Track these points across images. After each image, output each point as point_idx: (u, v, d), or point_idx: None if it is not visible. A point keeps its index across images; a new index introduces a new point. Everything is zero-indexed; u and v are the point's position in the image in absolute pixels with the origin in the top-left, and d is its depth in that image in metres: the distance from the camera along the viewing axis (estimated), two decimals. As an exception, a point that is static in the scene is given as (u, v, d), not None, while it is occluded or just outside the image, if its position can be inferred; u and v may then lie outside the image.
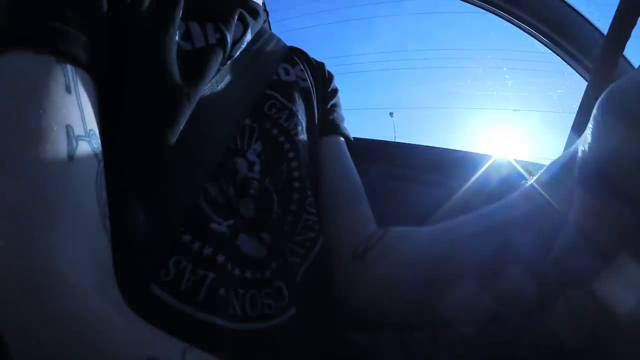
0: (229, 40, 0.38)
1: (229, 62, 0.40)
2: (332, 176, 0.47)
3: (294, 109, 0.45)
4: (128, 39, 0.31)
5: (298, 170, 0.42)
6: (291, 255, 0.38)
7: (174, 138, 0.31)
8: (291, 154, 0.42)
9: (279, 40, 0.51)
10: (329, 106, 0.54)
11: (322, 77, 0.54)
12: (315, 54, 0.56)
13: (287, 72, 0.49)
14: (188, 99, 0.32)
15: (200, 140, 0.34)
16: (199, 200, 0.33)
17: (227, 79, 0.39)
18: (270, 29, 0.54)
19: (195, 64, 0.35)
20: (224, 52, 0.38)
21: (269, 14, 0.53)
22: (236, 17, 0.41)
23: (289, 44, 0.53)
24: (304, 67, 0.52)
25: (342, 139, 0.52)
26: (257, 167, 0.38)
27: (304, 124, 0.46)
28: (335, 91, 0.56)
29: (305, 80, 0.50)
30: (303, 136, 0.45)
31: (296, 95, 0.47)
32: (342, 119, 0.55)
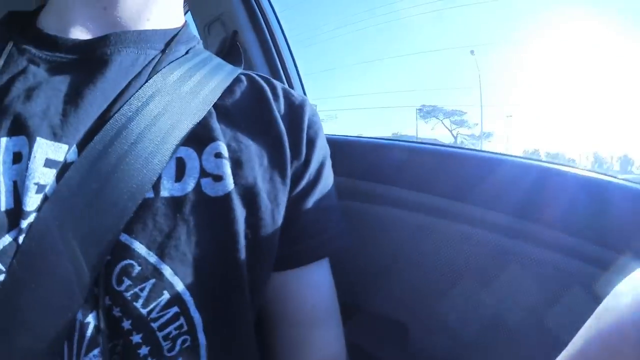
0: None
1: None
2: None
3: (164, 271, 0.28)
4: None
5: None
6: None
7: None
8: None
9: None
10: (302, 203, 0.35)
11: (293, 145, 0.35)
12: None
13: (180, 173, 0.30)
14: None
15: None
16: None
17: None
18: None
19: None
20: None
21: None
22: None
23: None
24: (237, 143, 0.33)
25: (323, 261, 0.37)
26: None
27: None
28: (322, 164, 0.37)
29: (222, 179, 0.30)
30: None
31: (185, 227, 0.29)
32: (327, 215, 0.37)
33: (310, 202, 0.35)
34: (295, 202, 0.35)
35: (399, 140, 0.58)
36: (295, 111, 0.36)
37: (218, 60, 0.38)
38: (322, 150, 0.37)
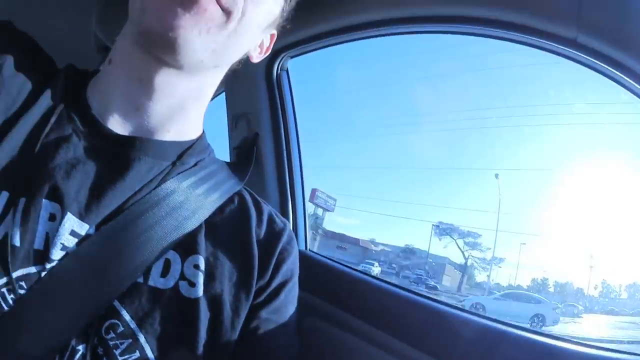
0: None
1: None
2: None
3: (140, 337, 0.36)
4: None
5: None
6: None
7: None
8: None
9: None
10: (258, 312, 0.43)
11: (262, 268, 0.43)
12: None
13: (165, 271, 0.38)
14: None
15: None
16: None
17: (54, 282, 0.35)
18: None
19: None
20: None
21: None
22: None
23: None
24: (217, 255, 0.41)
25: None
26: None
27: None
28: (282, 284, 0.45)
29: (195, 286, 0.39)
30: None
31: (161, 312, 0.37)
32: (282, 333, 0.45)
33: (265, 313, 0.43)
34: (253, 311, 0.43)
35: (378, 280, 0.69)
36: (273, 238, 0.45)
37: (221, 174, 0.47)
38: (287, 273, 0.46)
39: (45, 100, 0.39)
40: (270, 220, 0.46)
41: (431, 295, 0.73)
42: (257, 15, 0.41)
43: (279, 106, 0.85)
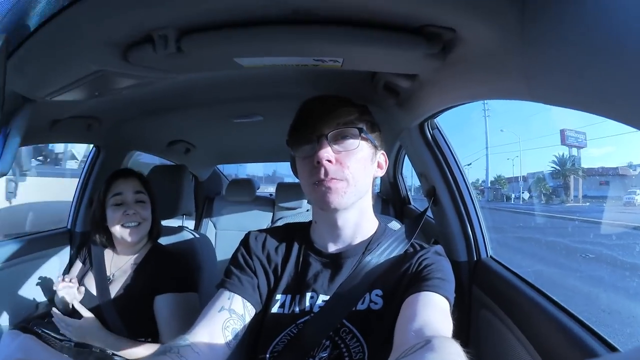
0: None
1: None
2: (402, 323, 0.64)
3: (359, 336, 0.71)
4: None
5: None
6: None
7: None
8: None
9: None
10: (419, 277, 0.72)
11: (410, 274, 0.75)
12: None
13: (363, 301, 0.75)
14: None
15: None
16: None
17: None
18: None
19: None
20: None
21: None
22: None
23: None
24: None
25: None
26: None
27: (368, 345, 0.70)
28: (425, 267, 0.74)
29: (377, 304, 0.74)
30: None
31: (366, 321, 0.72)
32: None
33: (416, 281, 0.72)
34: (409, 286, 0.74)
35: (548, 299, 0.93)
36: (416, 254, 0.78)
37: (394, 244, 0.81)
38: (427, 263, 0.76)
39: (295, 250, 0.83)
40: (417, 250, 0.80)
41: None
42: (362, 166, 0.75)
43: (443, 162, 1.19)
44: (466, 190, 1.18)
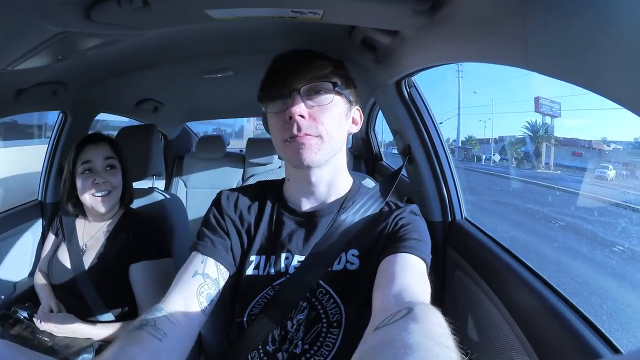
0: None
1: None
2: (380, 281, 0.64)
3: (335, 296, 0.72)
4: None
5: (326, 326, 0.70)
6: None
7: None
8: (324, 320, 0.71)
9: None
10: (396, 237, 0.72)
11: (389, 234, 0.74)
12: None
13: (339, 261, 0.74)
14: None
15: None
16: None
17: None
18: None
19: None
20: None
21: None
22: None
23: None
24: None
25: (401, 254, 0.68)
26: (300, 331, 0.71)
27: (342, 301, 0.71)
28: (403, 226, 0.74)
29: (354, 264, 0.74)
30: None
31: (342, 281, 0.72)
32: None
33: (393, 241, 0.72)
34: (387, 246, 0.73)
35: (516, 260, 0.95)
36: (392, 214, 0.77)
37: (369, 202, 0.80)
38: (403, 223, 0.76)
39: (268, 209, 0.81)
40: (393, 209, 0.80)
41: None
42: (336, 122, 0.72)
43: (419, 120, 1.19)
44: (442, 150, 1.19)
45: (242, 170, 2.66)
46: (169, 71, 1.52)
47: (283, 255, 0.76)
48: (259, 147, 2.59)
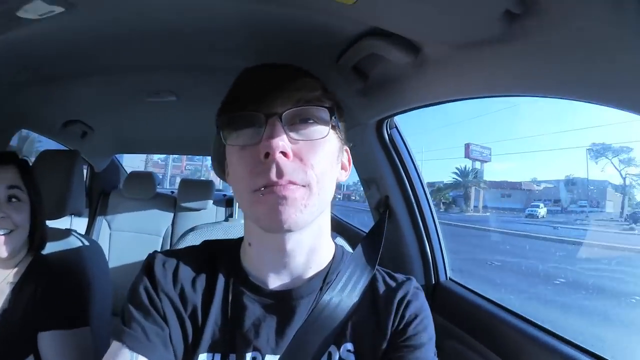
0: None
1: None
2: None
3: None
4: None
5: None
6: None
7: None
8: None
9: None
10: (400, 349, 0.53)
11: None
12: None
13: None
14: None
15: None
16: None
17: None
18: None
19: None
20: None
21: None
22: None
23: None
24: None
25: None
26: None
27: None
28: (409, 322, 0.54)
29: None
30: None
31: None
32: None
33: (401, 344, 0.52)
34: (392, 347, 0.53)
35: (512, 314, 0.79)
36: (392, 297, 0.55)
37: (357, 274, 0.58)
38: (411, 314, 0.55)
39: (220, 284, 0.55)
40: (390, 284, 0.58)
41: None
42: (328, 166, 0.50)
43: (400, 167, 1.02)
44: (425, 202, 1.03)
45: (172, 214, 2.35)
46: (101, 87, 1.23)
47: (249, 356, 0.51)
48: (193, 188, 2.32)
